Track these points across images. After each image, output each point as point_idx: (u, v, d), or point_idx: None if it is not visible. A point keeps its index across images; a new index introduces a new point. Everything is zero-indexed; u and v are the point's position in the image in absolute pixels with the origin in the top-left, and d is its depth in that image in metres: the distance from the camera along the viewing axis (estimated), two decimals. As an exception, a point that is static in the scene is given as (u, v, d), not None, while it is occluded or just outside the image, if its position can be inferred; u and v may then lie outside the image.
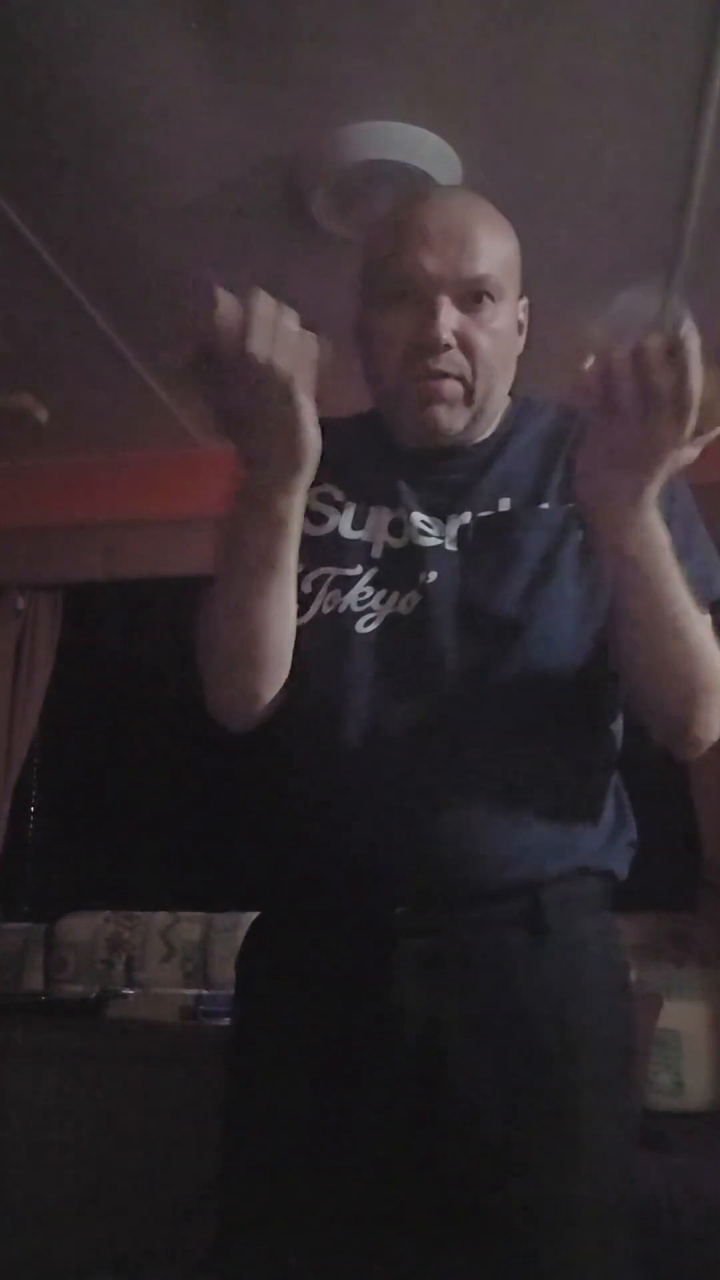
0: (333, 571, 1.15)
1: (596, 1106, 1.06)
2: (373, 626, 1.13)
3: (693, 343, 0.90)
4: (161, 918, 3.27)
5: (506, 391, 1.21)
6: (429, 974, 1.06)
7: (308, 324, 0.96)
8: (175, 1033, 2.24)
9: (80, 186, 2.33)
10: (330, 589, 1.14)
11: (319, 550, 1.14)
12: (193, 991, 2.79)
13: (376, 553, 1.16)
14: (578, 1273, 1.02)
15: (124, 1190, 2.00)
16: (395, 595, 1.13)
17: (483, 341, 1.13)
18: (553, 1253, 1.02)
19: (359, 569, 1.15)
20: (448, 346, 1.11)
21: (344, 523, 1.17)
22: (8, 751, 3.54)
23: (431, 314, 1.11)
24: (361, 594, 1.14)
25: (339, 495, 1.18)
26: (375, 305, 1.15)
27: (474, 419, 1.16)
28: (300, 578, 1.11)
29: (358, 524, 1.18)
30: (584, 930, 1.11)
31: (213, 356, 0.94)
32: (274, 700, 1.13)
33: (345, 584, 1.14)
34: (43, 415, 3.31)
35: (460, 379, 1.13)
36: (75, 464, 3.58)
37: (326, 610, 1.14)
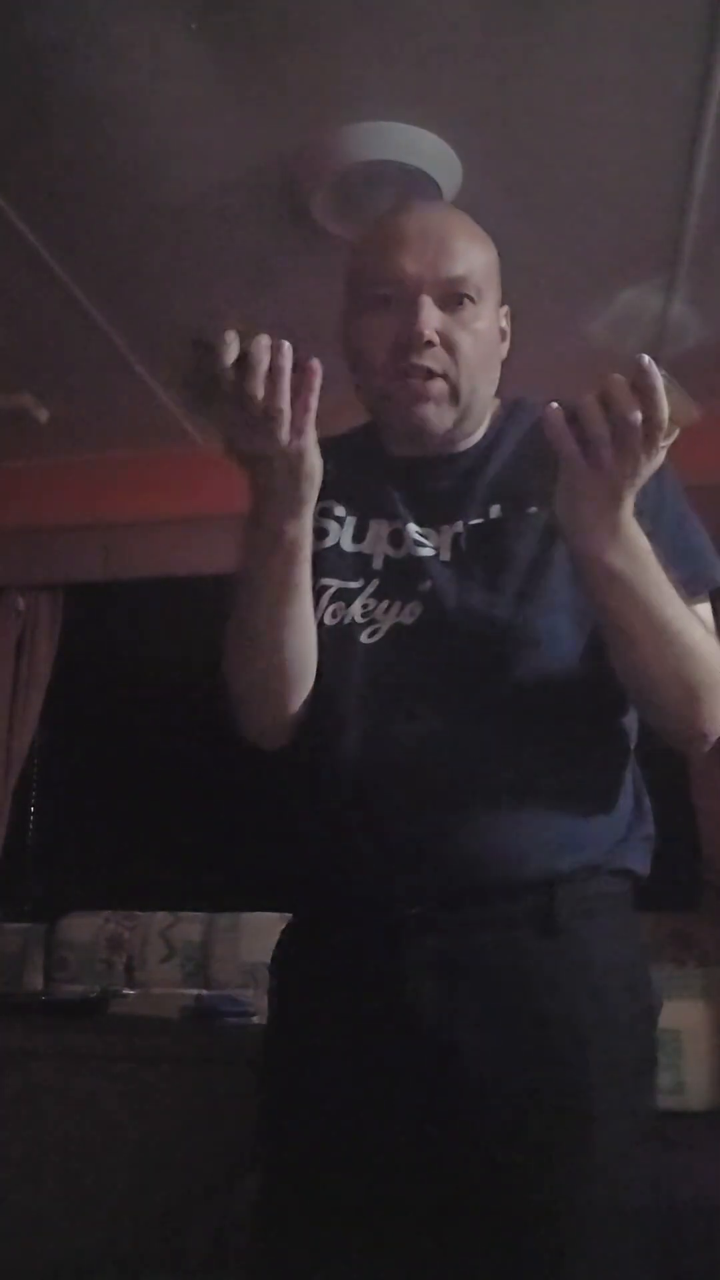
0: (335, 584, 1.18)
1: (608, 1107, 1.06)
2: (377, 637, 1.16)
3: (654, 371, 0.95)
4: (161, 918, 3.27)
5: (492, 393, 1.23)
6: (442, 974, 1.08)
7: (307, 338, 0.99)
8: (175, 1032, 2.24)
9: (80, 186, 2.33)
10: (333, 600, 1.18)
11: (322, 564, 1.18)
12: (193, 991, 2.79)
13: (378, 564, 1.19)
14: (590, 1272, 1.03)
15: (124, 1190, 2.00)
16: (398, 605, 1.16)
17: (464, 340, 1.16)
18: (564, 1252, 1.03)
19: (360, 581, 1.19)
20: (430, 343, 1.14)
21: (345, 537, 1.21)
22: (8, 751, 3.54)
23: (414, 312, 1.14)
24: (365, 605, 1.17)
25: (339, 510, 1.22)
26: (361, 312, 1.19)
27: (461, 418, 1.19)
28: None
29: (358, 537, 1.21)
30: (599, 930, 1.12)
31: (215, 398, 0.98)
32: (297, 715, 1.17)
33: (348, 596, 1.18)
34: (43, 415, 3.31)
35: (444, 376, 1.16)
36: (75, 464, 3.58)
37: (330, 622, 1.17)
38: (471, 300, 1.17)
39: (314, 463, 1.03)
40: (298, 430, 1.00)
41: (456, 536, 1.18)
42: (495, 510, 1.18)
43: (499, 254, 1.23)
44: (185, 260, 2.60)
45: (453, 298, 1.16)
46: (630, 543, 1.03)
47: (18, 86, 2.05)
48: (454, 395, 1.17)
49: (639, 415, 0.96)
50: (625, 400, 0.96)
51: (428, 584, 1.16)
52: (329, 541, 1.20)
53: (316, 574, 1.16)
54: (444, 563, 1.17)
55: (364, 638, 1.16)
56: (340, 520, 1.22)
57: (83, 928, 3.30)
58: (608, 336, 2.72)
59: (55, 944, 3.30)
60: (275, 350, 0.98)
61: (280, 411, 0.98)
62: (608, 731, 1.19)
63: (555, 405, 0.99)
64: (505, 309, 1.24)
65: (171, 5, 1.88)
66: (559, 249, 2.52)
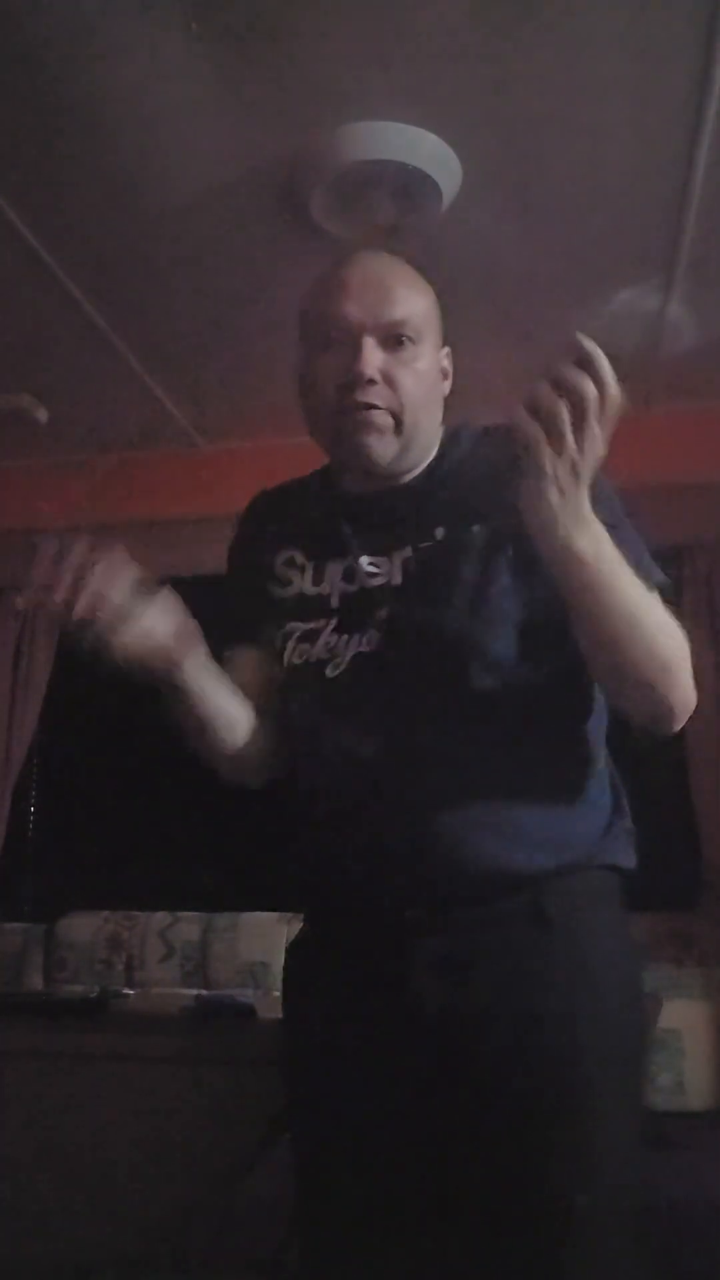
0: (300, 627, 1.28)
1: (605, 1103, 1.11)
2: (340, 669, 1.24)
3: (595, 348, 1.01)
4: (161, 918, 3.27)
5: (434, 426, 1.31)
6: (443, 972, 1.13)
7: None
8: (175, 1032, 2.24)
9: (80, 186, 2.33)
10: (299, 642, 1.27)
11: (286, 609, 1.29)
12: (192, 991, 2.79)
13: (335, 602, 1.27)
14: (589, 1264, 1.07)
15: (124, 1190, 2.00)
16: (357, 637, 1.24)
17: (405, 378, 1.24)
18: (564, 1244, 1.07)
19: (321, 621, 1.27)
20: (371, 381, 1.22)
21: (305, 582, 1.31)
22: (7, 751, 3.54)
23: (357, 353, 1.23)
24: (328, 643, 1.25)
25: (299, 557, 1.32)
26: (311, 353, 1.28)
27: (404, 449, 1.26)
28: (273, 635, 1.28)
29: (317, 579, 1.30)
30: (588, 925, 1.16)
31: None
32: (268, 753, 1.30)
33: (312, 637, 1.27)
34: (43, 415, 3.31)
35: (388, 409, 1.24)
36: (75, 464, 3.58)
37: (297, 662, 1.26)
38: (411, 341, 1.25)
39: (129, 641, 1.18)
40: (94, 613, 1.18)
41: (406, 561, 1.25)
42: (440, 532, 1.25)
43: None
44: (185, 260, 2.60)
45: (393, 339, 1.24)
46: (593, 529, 1.08)
47: (18, 87, 2.05)
48: (397, 427, 1.25)
49: (590, 385, 1.01)
50: (574, 376, 1.01)
51: (383, 611, 1.23)
52: (292, 589, 1.30)
53: (282, 619, 1.28)
54: (396, 588, 1.24)
55: (328, 672, 1.24)
56: (301, 568, 1.31)
57: (82, 928, 3.30)
58: (604, 337, 2.72)
59: (55, 944, 3.30)
60: (90, 552, 1.16)
61: (67, 605, 1.19)
62: (575, 730, 1.25)
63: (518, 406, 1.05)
64: (446, 350, 1.33)
65: (171, 5, 1.88)
66: (557, 249, 2.53)
